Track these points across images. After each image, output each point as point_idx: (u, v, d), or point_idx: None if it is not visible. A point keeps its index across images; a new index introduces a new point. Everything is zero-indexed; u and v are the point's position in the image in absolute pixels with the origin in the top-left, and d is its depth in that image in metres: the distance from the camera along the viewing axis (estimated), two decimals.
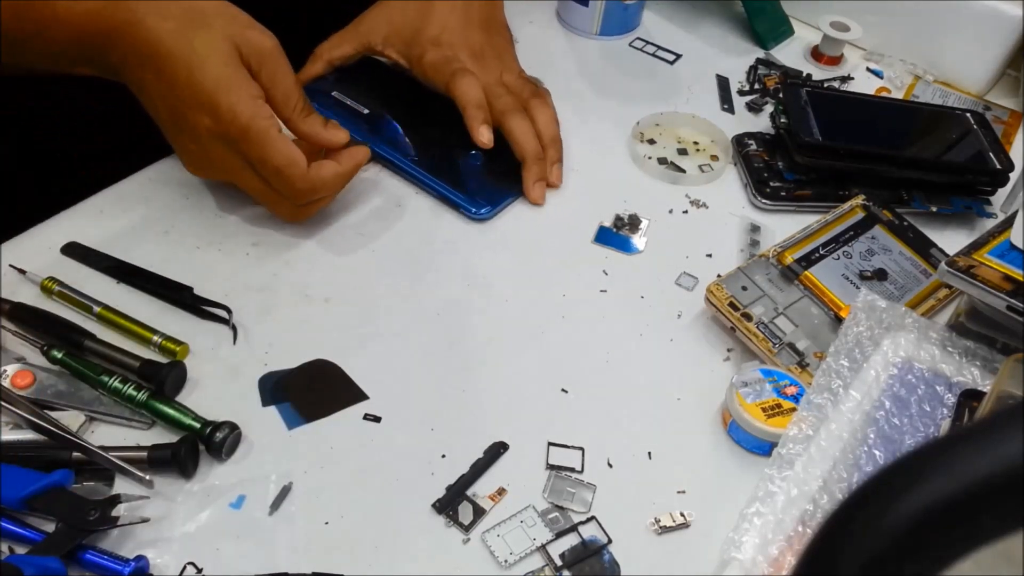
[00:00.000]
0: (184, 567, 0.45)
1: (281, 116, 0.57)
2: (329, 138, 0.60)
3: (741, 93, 0.82)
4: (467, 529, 0.48)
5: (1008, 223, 0.57)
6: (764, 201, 0.70)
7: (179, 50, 0.53)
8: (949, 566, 0.23)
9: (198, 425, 0.50)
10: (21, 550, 0.45)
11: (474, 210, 0.66)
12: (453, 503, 0.49)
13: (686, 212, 0.69)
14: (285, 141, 0.55)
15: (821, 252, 0.62)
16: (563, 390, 0.56)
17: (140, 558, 0.44)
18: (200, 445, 0.49)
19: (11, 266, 0.58)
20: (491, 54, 0.71)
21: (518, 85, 0.71)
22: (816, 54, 0.87)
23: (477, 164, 0.68)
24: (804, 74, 0.85)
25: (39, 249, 0.60)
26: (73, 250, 0.60)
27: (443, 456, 0.52)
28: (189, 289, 0.58)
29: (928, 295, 0.62)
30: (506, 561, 0.47)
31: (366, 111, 0.71)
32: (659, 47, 0.86)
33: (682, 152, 0.75)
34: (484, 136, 0.65)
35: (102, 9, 0.54)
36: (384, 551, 0.47)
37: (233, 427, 0.50)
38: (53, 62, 0.57)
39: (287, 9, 0.66)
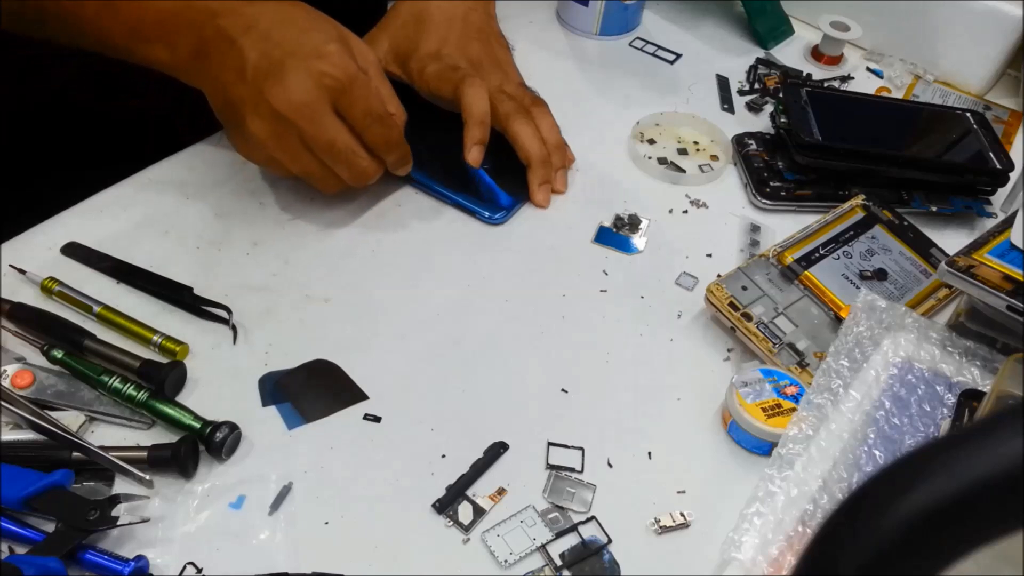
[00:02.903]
0: (184, 567, 0.45)
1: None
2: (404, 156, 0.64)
3: (741, 93, 0.82)
4: (467, 529, 0.48)
5: (1008, 223, 0.57)
6: (764, 201, 0.70)
7: (302, 7, 0.57)
8: (949, 566, 0.23)
9: (198, 425, 0.50)
10: (21, 550, 0.45)
11: (489, 215, 0.66)
12: (453, 503, 0.49)
13: (686, 212, 0.69)
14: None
15: (821, 252, 0.62)
16: (563, 390, 0.56)
17: (140, 558, 0.44)
18: (200, 445, 0.50)
19: (11, 266, 0.58)
20: (490, 64, 0.71)
21: (519, 94, 0.71)
22: (816, 54, 0.87)
23: (485, 170, 0.68)
24: (804, 74, 0.85)
25: (39, 249, 0.60)
26: (73, 250, 0.60)
27: (443, 456, 0.52)
28: (189, 289, 0.58)
29: (928, 295, 0.62)
30: (506, 561, 0.47)
31: None
32: (659, 47, 0.86)
33: (682, 152, 0.75)
34: (473, 156, 0.65)
35: None
36: (384, 551, 0.47)
37: (233, 427, 0.50)
38: (139, 35, 0.57)
39: None
